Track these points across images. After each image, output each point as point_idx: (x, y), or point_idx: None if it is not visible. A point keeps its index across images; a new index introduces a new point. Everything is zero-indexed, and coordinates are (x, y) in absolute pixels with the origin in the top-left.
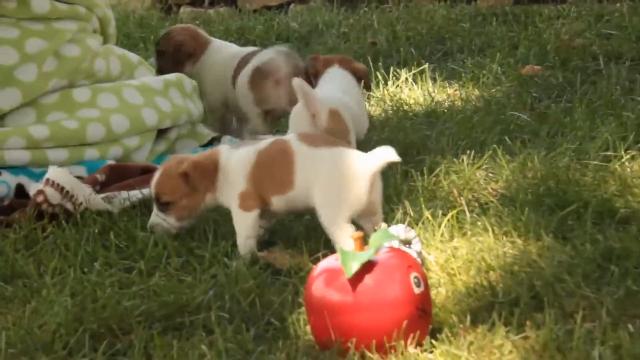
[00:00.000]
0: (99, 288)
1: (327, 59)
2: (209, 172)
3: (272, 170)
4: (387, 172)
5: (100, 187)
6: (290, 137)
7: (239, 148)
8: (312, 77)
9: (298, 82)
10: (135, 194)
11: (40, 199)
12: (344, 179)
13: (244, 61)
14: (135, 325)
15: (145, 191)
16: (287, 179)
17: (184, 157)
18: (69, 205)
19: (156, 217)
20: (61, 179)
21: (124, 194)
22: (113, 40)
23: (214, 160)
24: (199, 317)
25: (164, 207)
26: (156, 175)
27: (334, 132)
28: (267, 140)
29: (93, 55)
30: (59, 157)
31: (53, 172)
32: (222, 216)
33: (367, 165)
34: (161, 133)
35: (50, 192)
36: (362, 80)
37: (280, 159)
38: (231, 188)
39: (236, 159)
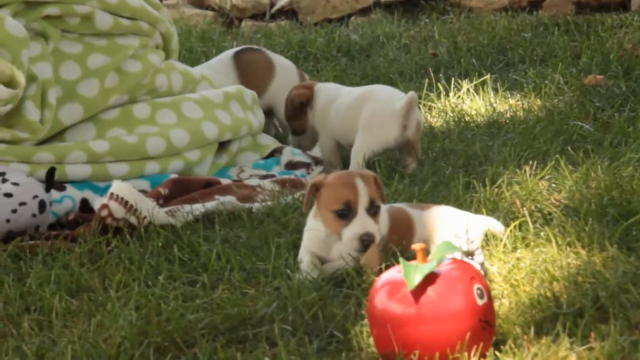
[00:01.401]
0: (163, 301)
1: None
2: None
3: None
4: (450, 184)
5: (164, 201)
6: None
7: None
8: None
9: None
10: (199, 208)
11: (104, 213)
12: None
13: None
14: (199, 338)
15: (209, 204)
16: None
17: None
18: (132, 219)
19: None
20: (125, 193)
21: (187, 207)
22: (175, 55)
23: None
24: (262, 330)
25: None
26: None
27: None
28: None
29: (155, 71)
30: (120, 171)
31: (117, 186)
32: (285, 228)
33: None
34: (222, 146)
35: (114, 206)
36: None
37: None
38: None
39: None
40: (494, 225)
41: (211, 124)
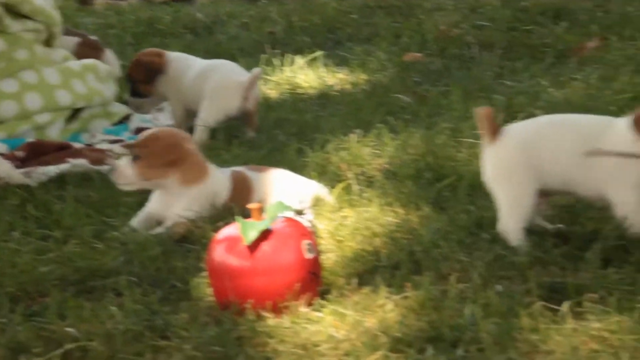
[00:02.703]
0: (17, 255)
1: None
2: None
3: None
4: (284, 149)
5: (20, 162)
6: None
7: None
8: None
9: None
10: (53, 169)
11: None
12: None
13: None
14: (50, 288)
15: (62, 166)
16: None
17: None
18: None
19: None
20: None
21: (42, 169)
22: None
23: None
24: (109, 281)
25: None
26: None
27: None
28: None
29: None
30: None
31: None
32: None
33: None
34: (75, 112)
35: None
36: None
37: None
38: None
39: None
40: (323, 192)
41: (65, 92)
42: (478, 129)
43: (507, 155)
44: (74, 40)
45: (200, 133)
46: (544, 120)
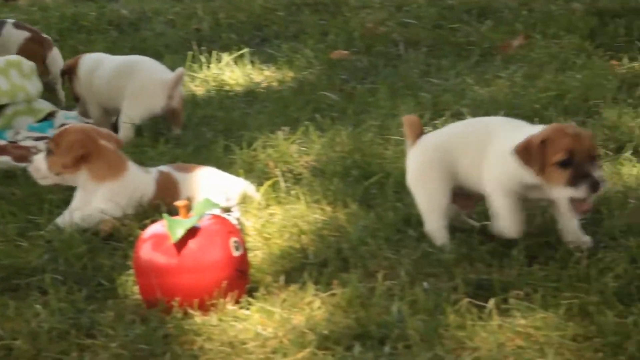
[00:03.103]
0: None
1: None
2: None
3: None
4: (211, 146)
5: None
6: None
7: None
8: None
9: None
10: None
11: None
12: None
13: None
14: None
15: None
16: None
17: None
18: None
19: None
20: None
21: None
22: None
23: None
24: (34, 280)
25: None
26: None
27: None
28: None
29: None
30: None
31: None
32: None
33: None
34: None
35: None
36: None
37: None
38: None
39: None
40: (250, 189)
41: None
42: (403, 134)
43: (423, 158)
44: (23, 35)
45: (125, 131)
46: (457, 125)
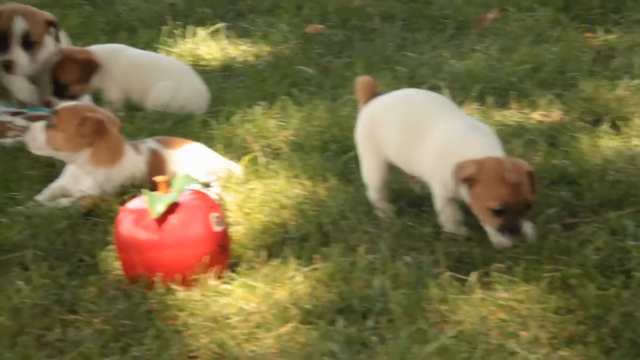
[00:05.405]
0: None
1: None
2: None
3: None
4: (188, 121)
5: None
6: None
7: None
8: None
9: None
10: None
11: None
12: None
13: None
14: None
15: None
16: None
17: None
18: None
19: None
20: None
21: None
22: None
23: None
24: (15, 256)
25: None
26: None
27: None
28: None
29: None
30: None
31: None
32: (37, 162)
33: None
34: None
35: None
36: None
37: None
38: None
39: None
40: (236, 169)
41: None
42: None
43: (361, 126)
44: None
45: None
46: (391, 95)
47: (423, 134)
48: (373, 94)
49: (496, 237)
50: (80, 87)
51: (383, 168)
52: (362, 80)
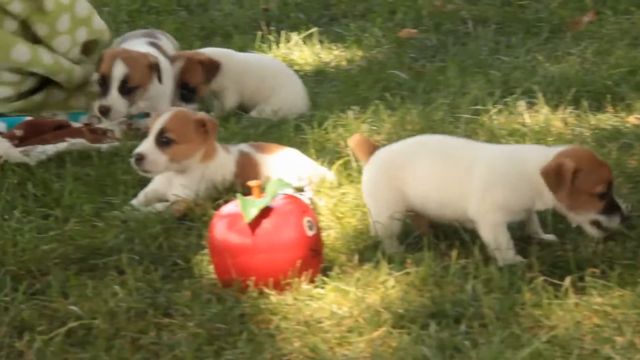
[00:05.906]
0: (18, 234)
1: None
2: None
3: None
4: (281, 126)
5: (19, 141)
6: None
7: None
8: None
9: None
10: (51, 148)
11: None
12: None
13: None
14: (52, 267)
15: (60, 145)
16: None
17: None
18: None
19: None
20: None
21: (40, 147)
22: None
23: None
24: (111, 260)
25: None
26: None
27: None
28: None
29: None
30: None
31: None
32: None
33: None
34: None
35: None
36: None
37: None
38: None
39: None
40: (328, 175)
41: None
42: (355, 157)
43: (374, 177)
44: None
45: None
46: (409, 142)
47: (465, 168)
48: (372, 147)
49: (594, 231)
50: (205, 89)
51: (400, 215)
52: (356, 138)
